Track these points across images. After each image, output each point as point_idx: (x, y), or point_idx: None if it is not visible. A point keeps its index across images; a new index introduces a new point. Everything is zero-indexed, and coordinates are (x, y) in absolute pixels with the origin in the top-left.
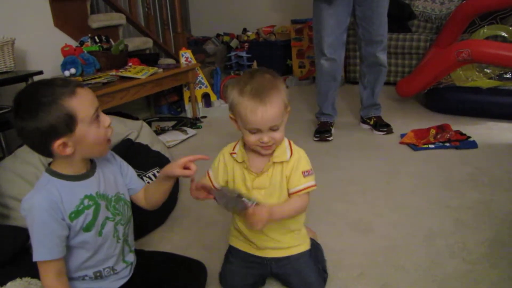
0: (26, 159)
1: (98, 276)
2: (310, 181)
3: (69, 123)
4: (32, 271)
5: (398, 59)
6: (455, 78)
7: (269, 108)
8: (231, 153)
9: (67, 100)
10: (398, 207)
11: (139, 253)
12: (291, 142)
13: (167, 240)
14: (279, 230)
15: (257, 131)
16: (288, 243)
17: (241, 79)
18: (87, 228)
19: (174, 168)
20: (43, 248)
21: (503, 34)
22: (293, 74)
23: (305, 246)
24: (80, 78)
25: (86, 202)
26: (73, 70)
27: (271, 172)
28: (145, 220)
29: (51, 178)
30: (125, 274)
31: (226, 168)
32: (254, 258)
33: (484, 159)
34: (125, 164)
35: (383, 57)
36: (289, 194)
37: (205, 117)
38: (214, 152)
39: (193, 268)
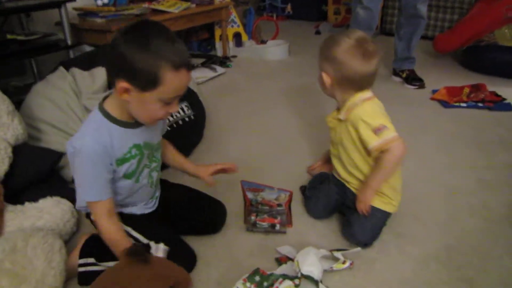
0: (57, 84)
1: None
2: (382, 138)
3: (148, 83)
4: (62, 190)
5: (439, 12)
6: (498, 36)
7: None
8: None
9: (168, 68)
10: (423, 162)
11: (163, 182)
12: (363, 100)
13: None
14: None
15: None
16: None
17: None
18: (128, 176)
19: (204, 176)
20: (93, 189)
21: None
22: (328, 20)
23: (384, 207)
24: (113, 8)
25: (133, 151)
26: (106, 0)
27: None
28: None
29: (104, 120)
30: (151, 205)
31: None
32: (341, 183)
33: None
34: None
35: (423, 9)
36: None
37: (235, 56)
38: (242, 91)
39: (214, 208)
